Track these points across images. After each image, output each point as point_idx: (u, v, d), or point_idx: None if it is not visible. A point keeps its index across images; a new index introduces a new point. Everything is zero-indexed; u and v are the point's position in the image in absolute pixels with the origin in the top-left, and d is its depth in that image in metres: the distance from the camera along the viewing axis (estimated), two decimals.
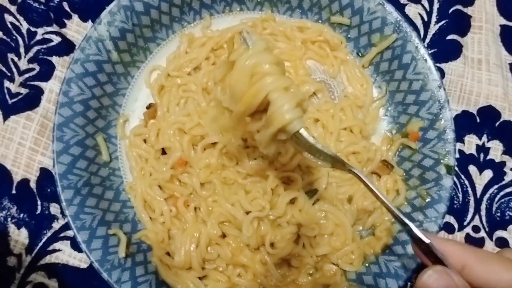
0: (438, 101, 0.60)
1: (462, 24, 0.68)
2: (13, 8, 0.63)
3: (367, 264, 0.59)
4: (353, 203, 0.60)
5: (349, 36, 0.66)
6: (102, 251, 0.55)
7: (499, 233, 0.63)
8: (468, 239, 0.63)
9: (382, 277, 0.57)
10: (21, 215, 0.59)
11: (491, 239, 0.63)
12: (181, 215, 0.59)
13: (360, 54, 0.66)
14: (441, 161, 0.59)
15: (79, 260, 0.59)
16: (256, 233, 0.56)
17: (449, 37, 0.67)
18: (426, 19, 0.68)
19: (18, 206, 0.60)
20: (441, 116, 0.60)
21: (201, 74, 0.62)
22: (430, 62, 0.61)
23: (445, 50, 0.67)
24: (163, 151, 0.61)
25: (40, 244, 0.59)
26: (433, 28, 0.68)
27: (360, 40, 0.65)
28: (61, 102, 0.57)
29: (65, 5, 0.65)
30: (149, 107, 0.63)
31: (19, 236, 0.59)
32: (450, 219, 0.63)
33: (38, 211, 0.60)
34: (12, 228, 0.59)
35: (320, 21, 0.66)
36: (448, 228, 0.63)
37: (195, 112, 0.60)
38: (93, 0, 0.65)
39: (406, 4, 0.69)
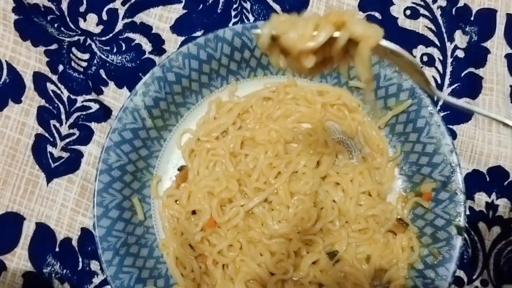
0: (450, 165, 0.64)
1: (474, 86, 0.72)
2: (54, 77, 0.68)
3: None
4: (371, 262, 0.64)
5: (366, 99, 0.70)
6: None
7: (506, 287, 0.67)
8: None
9: None
10: (64, 271, 0.65)
11: None
12: (210, 272, 0.64)
13: None
14: (452, 221, 0.63)
15: None
16: None
17: (461, 100, 0.71)
18: (439, 82, 0.72)
19: (61, 263, 0.65)
20: (452, 179, 0.64)
21: (228, 139, 0.67)
22: (443, 128, 0.64)
23: (457, 113, 0.71)
24: (193, 211, 0.66)
25: None
26: (446, 91, 0.72)
27: (376, 103, 0.69)
28: (100, 169, 0.62)
29: (102, 72, 0.70)
30: (180, 169, 0.67)
31: None
32: (460, 273, 0.67)
33: (80, 267, 0.65)
34: (56, 283, 0.64)
35: (338, 85, 0.70)
36: (458, 282, 0.67)
37: (223, 177, 0.65)
38: (127, 68, 0.70)
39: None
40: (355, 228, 0.65)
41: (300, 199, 0.64)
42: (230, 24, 0.73)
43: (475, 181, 0.70)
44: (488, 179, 0.70)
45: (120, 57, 0.71)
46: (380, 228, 0.66)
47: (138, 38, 0.72)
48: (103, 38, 0.71)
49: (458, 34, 0.74)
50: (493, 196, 0.70)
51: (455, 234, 0.62)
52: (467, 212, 0.67)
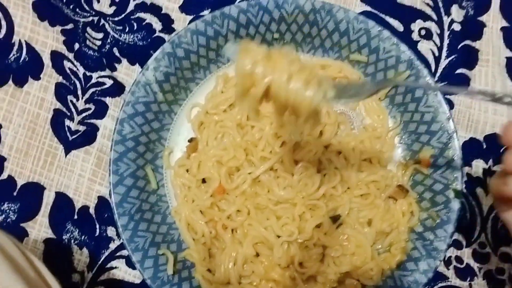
0: (447, 132, 0.67)
1: (470, 58, 0.75)
2: (71, 56, 0.72)
3: (384, 278, 0.67)
4: (373, 226, 0.68)
5: (366, 72, 0.73)
6: (153, 270, 0.64)
7: (503, 249, 0.70)
8: (475, 255, 0.70)
9: None
10: (83, 237, 0.69)
11: (496, 255, 0.70)
12: (220, 237, 0.68)
13: None
14: (450, 186, 0.66)
15: (133, 276, 0.69)
16: (286, 254, 0.64)
17: (458, 71, 0.74)
18: (437, 54, 0.75)
19: (79, 229, 0.69)
20: (450, 145, 0.67)
21: (235, 111, 0.70)
22: (440, 96, 0.67)
23: (454, 83, 0.74)
24: (203, 180, 0.69)
25: (99, 262, 0.69)
26: (443, 63, 0.75)
27: (377, 76, 0.72)
28: (115, 140, 0.66)
29: (115, 50, 0.74)
30: (191, 140, 0.71)
31: (81, 256, 0.69)
32: (459, 236, 0.71)
33: (97, 234, 0.69)
34: (75, 248, 0.69)
35: (340, 59, 0.74)
36: (456, 244, 0.70)
37: (231, 147, 0.68)
38: (139, 46, 0.74)
39: (419, 41, 0.75)
40: (357, 193, 0.68)
41: (304, 166, 0.67)
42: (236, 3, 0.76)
43: (472, 149, 0.73)
44: (484, 146, 0.73)
45: (132, 36, 0.75)
46: (381, 193, 0.69)
47: (149, 18, 0.75)
48: (116, 19, 0.75)
49: (454, 8, 0.76)
50: (490, 162, 0.73)
51: (453, 198, 0.65)
52: (465, 178, 0.71)
